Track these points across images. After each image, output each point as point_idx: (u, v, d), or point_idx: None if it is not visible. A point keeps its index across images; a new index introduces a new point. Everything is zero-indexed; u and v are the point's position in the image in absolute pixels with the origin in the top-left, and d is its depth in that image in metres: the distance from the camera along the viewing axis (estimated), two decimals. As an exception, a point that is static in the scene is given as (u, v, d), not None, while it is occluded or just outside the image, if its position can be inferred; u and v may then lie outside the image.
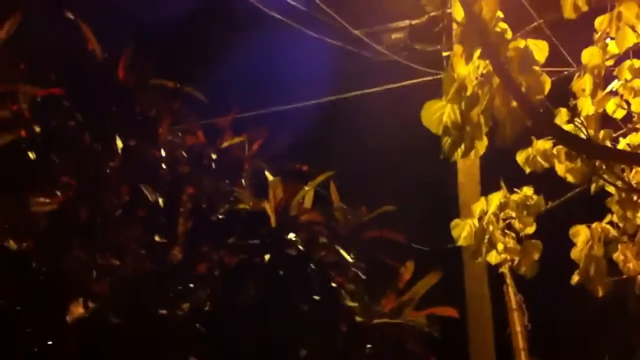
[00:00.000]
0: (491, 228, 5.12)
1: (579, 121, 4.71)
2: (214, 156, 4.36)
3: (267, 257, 3.92)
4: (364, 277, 4.23)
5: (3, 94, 4.06)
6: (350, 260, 4.13)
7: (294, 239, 4.07)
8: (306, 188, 4.34)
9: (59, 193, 4.04)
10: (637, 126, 5.09)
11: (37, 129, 4.13)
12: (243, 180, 4.43)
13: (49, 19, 4.78)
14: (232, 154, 4.48)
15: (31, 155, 4.12)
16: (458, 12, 4.37)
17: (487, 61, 4.16)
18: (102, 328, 3.47)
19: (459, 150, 4.41)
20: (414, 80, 9.47)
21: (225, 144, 4.46)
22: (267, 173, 4.38)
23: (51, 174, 4.14)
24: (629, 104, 4.95)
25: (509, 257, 5.19)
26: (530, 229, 5.35)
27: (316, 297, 3.97)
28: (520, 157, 5.20)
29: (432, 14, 8.02)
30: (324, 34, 8.66)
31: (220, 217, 4.12)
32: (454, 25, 5.64)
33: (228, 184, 4.32)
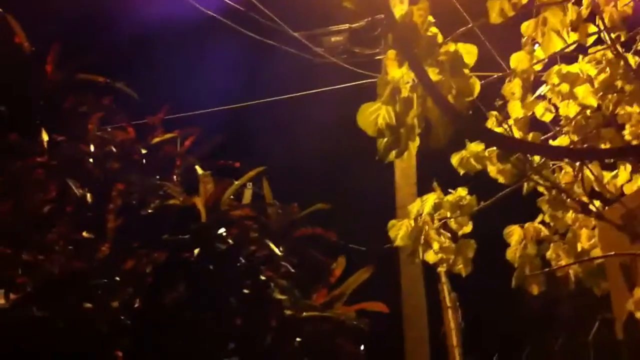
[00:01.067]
0: (427, 228, 5.20)
1: (508, 125, 4.84)
2: (144, 152, 4.31)
3: (196, 251, 3.89)
4: (293, 271, 4.24)
5: None
6: (280, 254, 4.14)
7: (224, 234, 4.05)
8: (236, 183, 4.33)
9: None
10: (565, 129, 5.25)
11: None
12: (174, 177, 4.40)
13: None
14: (163, 151, 4.44)
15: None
16: (391, 17, 4.45)
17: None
18: (25, 320, 3.39)
19: (393, 151, 4.49)
20: (352, 83, 9.57)
21: (155, 140, 4.42)
22: (198, 169, 4.36)
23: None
24: (556, 107, 5.10)
25: (445, 257, 5.28)
26: (467, 229, 5.46)
27: (245, 291, 3.96)
28: (454, 159, 5.31)
29: (369, 18, 8.11)
30: (263, 35, 8.66)
31: (150, 212, 4.07)
32: (387, 30, 5.73)
33: (158, 179, 4.27)
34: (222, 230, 4.06)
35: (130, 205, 4.08)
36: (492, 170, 5.12)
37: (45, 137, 3.92)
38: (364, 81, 9.36)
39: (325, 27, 9.53)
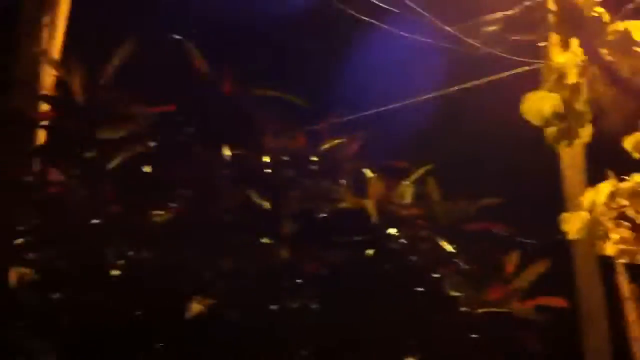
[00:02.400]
0: (604, 219, 5.04)
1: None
2: (315, 159, 4.54)
3: (370, 252, 4.04)
4: (467, 267, 4.28)
5: (122, 115, 4.40)
6: (452, 251, 4.19)
7: (395, 233, 4.17)
8: (404, 183, 4.44)
9: (174, 205, 4.34)
10: None
11: (152, 145, 4.45)
12: (344, 180, 4.59)
13: (157, 41, 5.14)
14: (332, 156, 4.65)
15: (147, 169, 4.45)
16: (552, 0, 4.36)
17: (586, 48, 4.14)
18: (220, 323, 3.71)
19: (563, 140, 4.40)
20: (512, 71, 9.35)
21: (325, 147, 4.64)
22: (366, 172, 4.52)
23: (167, 185, 4.46)
24: None
25: (625, 248, 5.08)
26: (649, 218, 5.20)
27: (419, 289, 4.06)
28: (628, 142, 5.07)
29: (527, 3, 7.90)
30: (416, 32, 8.69)
31: (324, 216, 4.28)
32: (550, 14, 5.58)
33: (329, 184, 4.48)
34: (393, 230, 4.19)
35: (306, 210, 4.32)
36: (673, 152, 4.84)
37: (227, 151, 4.26)
38: (524, 68, 9.13)
39: (478, 17, 9.40)
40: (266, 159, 4.43)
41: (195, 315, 3.61)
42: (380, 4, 8.08)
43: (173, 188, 4.46)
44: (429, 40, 8.83)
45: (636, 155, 4.95)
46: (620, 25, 4.18)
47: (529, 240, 7.90)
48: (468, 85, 9.34)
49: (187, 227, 4.21)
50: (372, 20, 7.95)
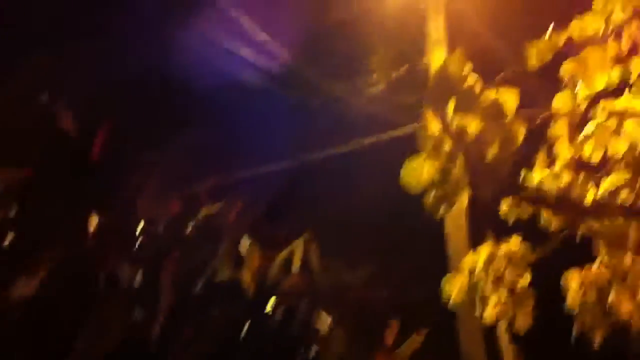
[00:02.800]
0: (482, 283, 5.09)
1: (556, 168, 4.74)
2: (191, 225, 4.36)
3: (245, 329, 3.87)
4: (345, 340, 4.17)
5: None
6: (329, 325, 4.08)
7: (273, 307, 4.03)
8: (282, 254, 4.33)
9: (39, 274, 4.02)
10: (616, 167, 5.10)
11: (13, 212, 4.14)
12: (222, 249, 4.41)
13: (23, 100, 4.84)
14: (211, 223, 4.48)
15: (10, 236, 4.12)
16: (433, 64, 4.43)
17: (460, 116, 4.21)
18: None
19: (442, 206, 4.43)
20: (395, 132, 9.55)
21: (203, 214, 4.46)
22: (244, 241, 4.37)
23: (30, 254, 4.14)
24: (606, 145, 4.96)
25: (503, 311, 5.14)
26: (524, 282, 5.30)
27: (299, 366, 3.91)
28: (504, 206, 5.19)
29: (410, 66, 8.13)
30: (304, 92, 8.73)
31: (200, 291, 4.08)
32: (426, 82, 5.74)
33: (206, 254, 4.30)
34: (270, 306, 4.04)
35: (181, 283, 4.10)
36: (543, 217, 4.99)
37: (94, 221, 4.00)
38: (406, 129, 9.33)
39: (365, 77, 9.59)
40: (140, 225, 4.20)
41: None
42: (265, 65, 8.09)
43: (36, 259, 4.14)
44: (314, 98, 8.90)
45: (511, 218, 5.07)
46: (492, 94, 4.28)
47: (414, 302, 7.94)
48: (353, 145, 9.46)
49: (49, 300, 3.90)
50: (250, 77, 7.95)
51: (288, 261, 4.40)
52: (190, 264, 4.19)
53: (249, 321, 3.92)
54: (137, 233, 4.30)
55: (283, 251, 4.40)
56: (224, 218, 4.53)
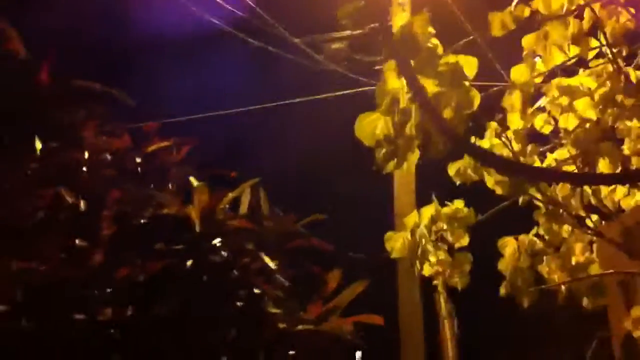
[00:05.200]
0: (423, 241, 5.18)
1: (507, 137, 4.82)
2: (139, 160, 4.28)
3: (189, 262, 3.85)
4: (288, 283, 4.21)
5: None
6: (274, 267, 4.10)
7: (218, 244, 4.02)
8: (231, 193, 4.30)
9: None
10: (564, 142, 5.22)
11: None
12: (169, 185, 4.36)
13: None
14: (158, 159, 4.41)
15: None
16: (395, 26, 4.43)
17: (419, 76, 4.20)
18: (13, 331, 3.35)
19: (391, 162, 4.46)
20: (353, 90, 9.54)
21: (151, 149, 4.38)
22: (192, 179, 4.32)
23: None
24: (556, 120, 5.07)
25: (441, 270, 5.26)
26: (463, 242, 5.43)
27: (239, 303, 3.92)
28: (451, 170, 5.27)
29: (372, 25, 8.11)
30: (264, 42, 8.64)
31: (144, 221, 4.03)
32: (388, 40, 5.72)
33: (153, 188, 4.24)
34: (216, 241, 4.02)
35: (124, 213, 4.04)
36: (490, 181, 5.10)
37: (38, 144, 3.88)
38: (365, 88, 9.34)
39: (326, 34, 9.53)
40: (84, 155, 4.10)
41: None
42: (231, 9, 7.95)
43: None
44: (276, 51, 8.82)
45: (457, 182, 5.17)
46: (452, 58, 4.30)
47: (356, 257, 8.06)
48: (309, 98, 9.44)
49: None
50: (214, 20, 7.79)
51: (236, 202, 4.38)
52: (135, 197, 4.13)
53: (193, 256, 3.90)
54: (82, 163, 4.20)
55: (232, 192, 4.38)
56: (172, 155, 4.48)
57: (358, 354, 5.80)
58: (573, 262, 5.26)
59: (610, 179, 4.79)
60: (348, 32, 9.44)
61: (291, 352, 4.03)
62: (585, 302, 4.99)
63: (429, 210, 5.23)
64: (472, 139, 4.85)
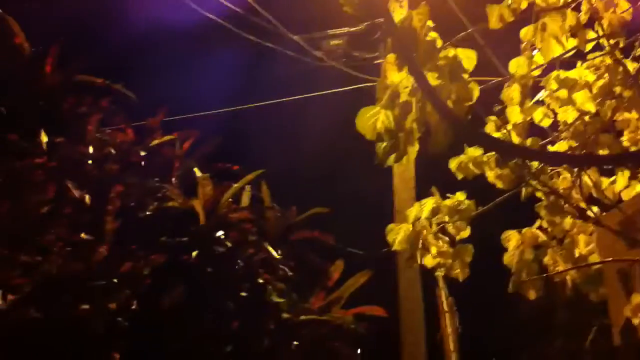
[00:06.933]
0: (425, 233, 5.22)
1: (506, 130, 4.86)
2: (142, 154, 4.31)
3: (194, 254, 3.89)
4: (291, 274, 4.24)
5: None
6: (278, 257, 4.14)
7: (222, 236, 4.05)
8: (235, 186, 4.34)
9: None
10: (563, 135, 5.26)
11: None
12: (173, 179, 4.40)
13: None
14: (162, 153, 4.45)
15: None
16: (392, 22, 4.47)
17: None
18: (22, 321, 3.38)
19: (392, 156, 4.50)
20: (351, 87, 9.57)
21: (154, 143, 4.42)
22: (196, 171, 4.36)
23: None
24: (555, 113, 5.11)
25: (442, 261, 5.31)
26: (464, 234, 5.47)
27: (243, 294, 3.96)
28: (452, 164, 5.31)
29: (371, 22, 8.13)
30: (263, 38, 8.66)
31: (148, 214, 4.07)
32: (388, 34, 5.77)
33: (157, 182, 4.27)
34: (220, 233, 4.06)
35: (129, 207, 4.08)
36: (491, 175, 5.13)
37: (44, 138, 3.92)
38: (364, 85, 9.36)
39: (324, 31, 9.54)
40: (89, 149, 4.13)
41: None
42: (231, 6, 7.97)
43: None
44: (275, 47, 8.84)
45: (459, 176, 5.21)
46: (451, 52, 4.35)
47: (357, 251, 8.10)
48: (310, 95, 9.46)
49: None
50: (215, 18, 7.82)
51: (239, 195, 4.42)
52: (139, 190, 4.17)
53: (198, 248, 3.94)
54: (87, 157, 4.24)
55: (235, 184, 4.42)
56: (175, 149, 4.51)
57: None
58: (576, 254, 5.30)
59: (604, 160, 4.84)
60: (346, 29, 9.48)
61: (295, 342, 4.07)
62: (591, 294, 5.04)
63: (430, 202, 5.28)
64: (472, 133, 4.89)
